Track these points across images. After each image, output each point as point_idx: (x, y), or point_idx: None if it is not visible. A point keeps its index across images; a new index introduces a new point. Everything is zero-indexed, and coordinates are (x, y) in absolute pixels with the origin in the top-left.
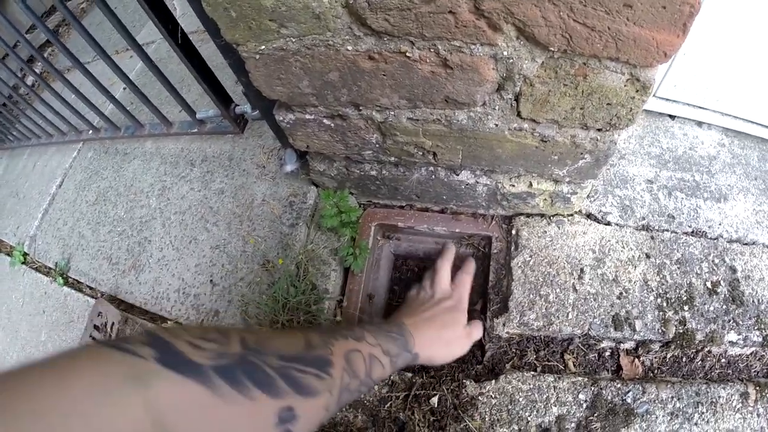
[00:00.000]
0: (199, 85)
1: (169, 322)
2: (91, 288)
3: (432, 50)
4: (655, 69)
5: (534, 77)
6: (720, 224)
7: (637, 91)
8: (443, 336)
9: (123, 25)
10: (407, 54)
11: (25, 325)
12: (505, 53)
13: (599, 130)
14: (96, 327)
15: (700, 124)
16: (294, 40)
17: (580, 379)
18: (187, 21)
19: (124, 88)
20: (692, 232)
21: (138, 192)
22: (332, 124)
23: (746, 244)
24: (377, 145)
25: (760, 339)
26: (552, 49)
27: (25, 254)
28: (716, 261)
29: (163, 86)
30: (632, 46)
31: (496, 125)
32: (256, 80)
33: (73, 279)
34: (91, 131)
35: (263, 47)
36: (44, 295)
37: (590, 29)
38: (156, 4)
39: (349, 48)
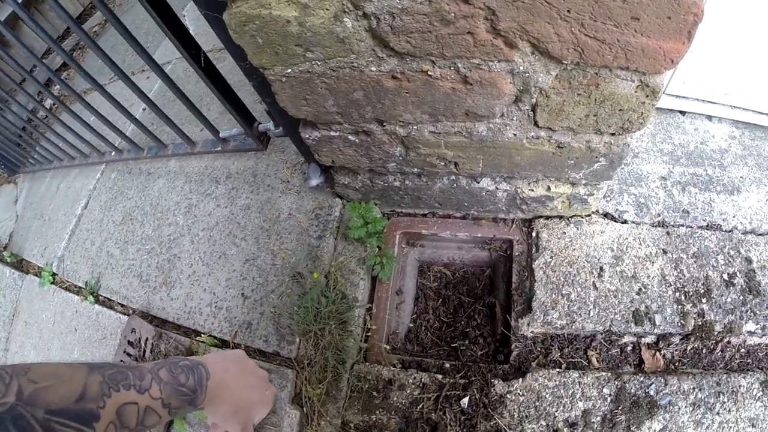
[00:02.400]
0: (219, 103)
1: (202, 335)
2: (122, 305)
3: (452, 68)
4: (663, 75)
5: (549, 89)
6: (734, 216)
7: (647, 96)
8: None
9: (141, 45)
10: (429, 73)
11: (57, 343)
12: (521, 68)
13: (612, 134)
14: (130, 343)
15: (710, 118)
16: (319, 63)
17: (603, 374)
18: (202, 40)
19: (144, 109)
20: (707, 225)
21: (164, 210)
22: (357, 140)
23: (761, 234)
24: (401, 158)
25: None
26: (565, 62)
27: (53, 274)
28: (732, 253)
29: (186, 106)
30: (641, 56)
31: (515, 135)
32: (282, 101)
33: (104, 297)
34: (114, 153)
35: (289, 70)
36: (75, 313)
37: (601, 42)
38: (175, 26)
39: (373, 69)
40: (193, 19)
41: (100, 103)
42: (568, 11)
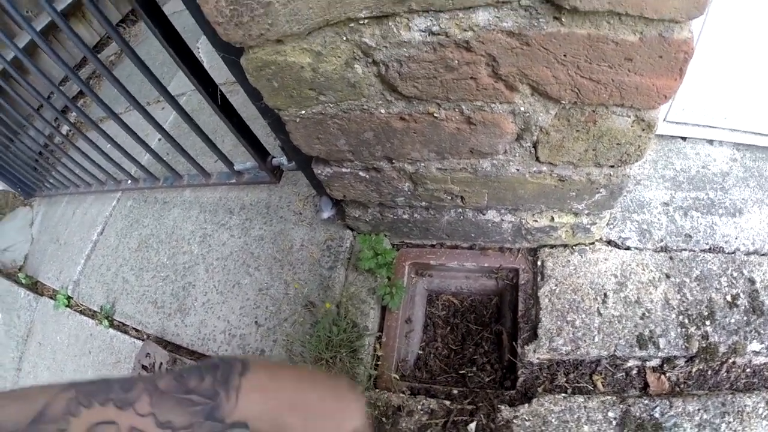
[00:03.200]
0: (232, 136)
1: None
2: (137, 330)
3: (457, 110)
4: (657, 110)
5: (549, 126)
6: (736, 238)
7: (643, 130)
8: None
9: (157, 78)
10: (435, 114)
11: (71, 365)
12: (522, 109)
13: (612, 166)
14: (144, 367)
15: (711, 142)
16: (331, 105)
17: (608, 398)
18: (216, 73)
19: (159, 139)
20: (709, 248)
21: (179, 239)
22: (367, 176)
23: (764, 254)
24: (409, 193)
25: None
26: (563, 102)
27: (69, 297)
28: (735, 274)
29: (201, 139)
30: (635, 93)
31: (518, 170)
32: (296, 139)
33: (119, 321)
34: (129, 181)
35: (303, 112)
36: (90, 336)
37: (596, 82)
38: (190, 60)
39: (382, 111)
40: (207, 53)
41: (116, 132)
42: (564, 55)
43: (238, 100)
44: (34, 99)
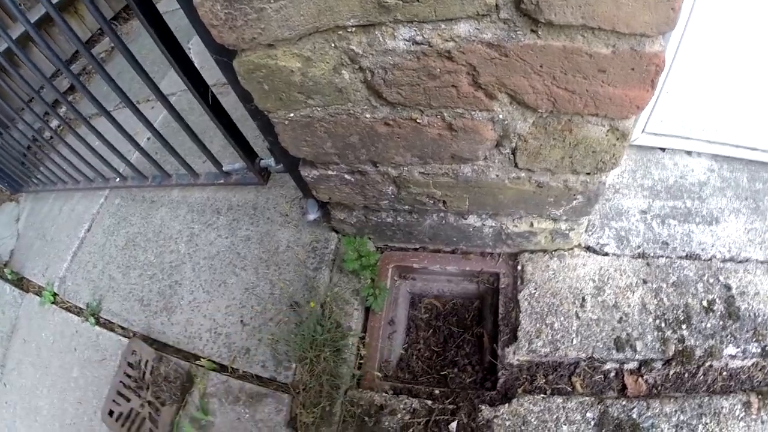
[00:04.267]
0: (221, 137)
1: (202, 360)
2: (123, 328)
3: (439, 116)
4: (631, 120)
5: (527, 134)
6: (713, 246)
7: (617, 139)
8: None
9: (149, 76)
10: (418, 120)
11: (56, 361)
12: (500, 116)
13: (588, 173)
14: (130, 364)
15: (689, 153)
16: (319, 109)
17: (587, 399)
18: (206, 74)
19: (149, 138)
20: (686, 255)
21: (167, 238)
22: (352, 179)
23: (740, 262)
24: (393, 196)
25: (759, 350)
26: (540, 110)
27: (54, 294)
28: (711, 280)
29: (191, 139)
30: (609, 104)
31: (497, 176)
32: (284, 141)
33: (105, 319)
34: (118, 179)
35: (292, 114)
36: (75, 333)
37: (571, 92)
38: (182, 60)
39: (368, 116)
40: (198, 53)
41: (106, 129)
42: (541, 66)
43: (228, 101)
44: (24, 92)
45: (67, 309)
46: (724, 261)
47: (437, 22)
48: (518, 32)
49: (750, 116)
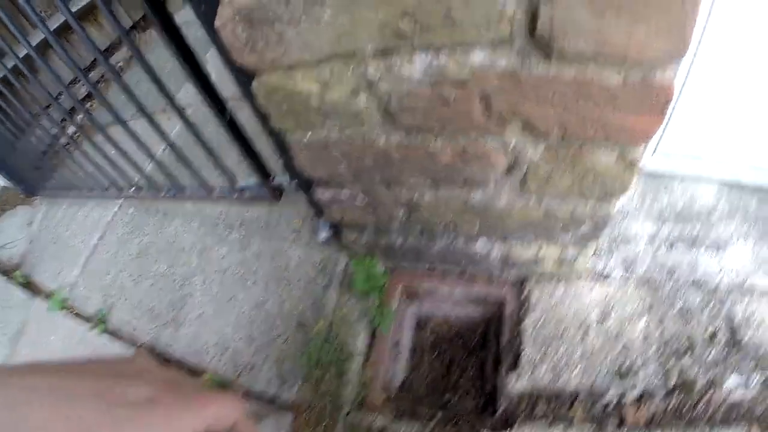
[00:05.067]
0: (235, 151)
1: (206, 374)
2: (130, 337)
3: (452, 142)
4: (641, 147)
5: (538, 160)
6: (719, 273)
7: (627, 165)
8: None
9: (165, 87)
10: (431, 145)
11: None
12: (512, 143)
13: (597, 199)
14: None
15: (698, 178)
16: (335, 131)
17: (587, 425)
18: (222, 87)
19: (164, 149)
20: (692, 282)
21: (179, 250)
22: (365, 201)
23: (746, 290)
24: (404, 218)
25: (762, 381)
26: (551, 137)
27: (64, 299)
28: (716, 309)
29: (207, 154)
30: (619, 131)
31: (507, 201)
32: (300, 161)
33: (113, 327)
34: (132, 189)
35: (308, 135)
36: (82, 339)
37: (582, 120)
38: (202, 78)
39: (382, 140)
40: (214, 66)
41: (122, 139)
42: (553, 94)
43: (243, 116)
44: (43, 98)
45: (77, 315)
46: (729, 289)
47: (453, 48)
48: (531, 60)
49: (759, 140)
